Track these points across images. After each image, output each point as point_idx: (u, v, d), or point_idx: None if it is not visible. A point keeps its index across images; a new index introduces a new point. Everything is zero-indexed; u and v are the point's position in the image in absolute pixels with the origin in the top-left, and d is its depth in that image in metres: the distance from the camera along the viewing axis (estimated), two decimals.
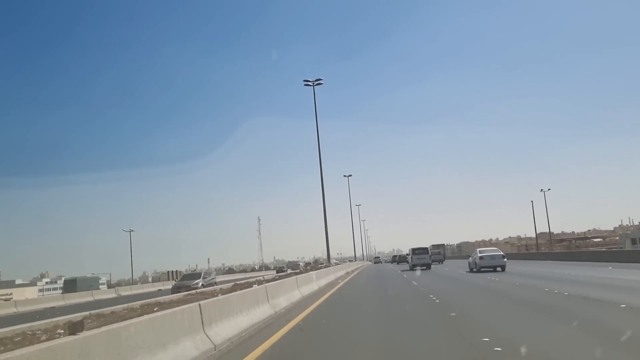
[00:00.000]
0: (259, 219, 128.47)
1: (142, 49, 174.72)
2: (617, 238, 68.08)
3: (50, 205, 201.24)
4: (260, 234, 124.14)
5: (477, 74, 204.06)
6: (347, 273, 36.95)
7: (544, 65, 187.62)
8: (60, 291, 65.98)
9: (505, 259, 26.76)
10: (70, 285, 65.61)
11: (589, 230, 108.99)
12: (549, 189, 63.63)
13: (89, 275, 77.07)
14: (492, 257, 26.76)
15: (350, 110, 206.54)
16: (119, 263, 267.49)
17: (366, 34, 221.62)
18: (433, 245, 67.17)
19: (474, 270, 27.65)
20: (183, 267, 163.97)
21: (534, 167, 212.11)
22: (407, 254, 50.06)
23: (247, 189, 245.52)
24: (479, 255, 27.15)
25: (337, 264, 48.99)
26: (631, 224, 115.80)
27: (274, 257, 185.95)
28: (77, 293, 40.21)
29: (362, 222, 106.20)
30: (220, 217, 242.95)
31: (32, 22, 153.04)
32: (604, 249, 51.85)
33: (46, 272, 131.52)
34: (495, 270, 26.12)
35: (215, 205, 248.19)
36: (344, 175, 71.44)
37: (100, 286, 67.95)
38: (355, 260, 79.34)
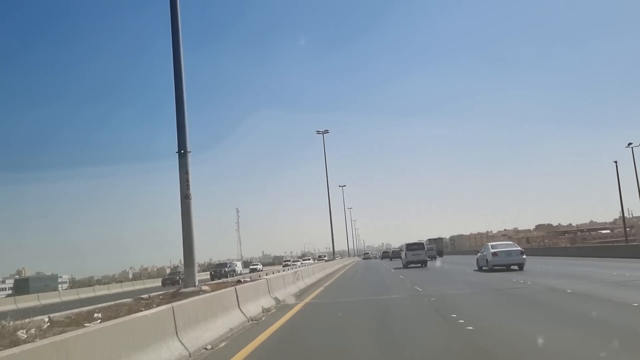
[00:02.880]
0: (238, 210, 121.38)
1: (127, 40, 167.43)
2: (629, 230, 64.31)
3: (35, 201, 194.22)
4: (239, 227, 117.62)
5: (467, 67, 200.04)
6: (262, 313, 10.39)
7: (531, 58, 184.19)
8: (11, 292, 59.35)
9: (524, 256, 21.88)
10: (22, 286, 57.76)
11: (588, 222, 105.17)
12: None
13: (49, 274, 69.82)
14: (508, 253, 22.01)
15: (337, 101, 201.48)
16: (103, 259, 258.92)
17: (355, 25, 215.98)
18: (430, 240, 62.12)
19: (484, 268, 23.16)
20: (166, 263, 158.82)
21: (526, 159, 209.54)
22: (400, 250, 45.20)
23: (241, 181, 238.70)
24: (492, 250, 22.38)
25: (301, 263, 38.63)
26: (631, 215, 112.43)
27: (262, 252, 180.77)
28: (24, 296, 34.37)
29: (349, 211, 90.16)
30: (209, 210, 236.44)
31: (19, 14, 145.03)
32: (614, 242, 47.63)
33: (22, 268, 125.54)
34: (510, 269, 21.47)
35: (208, 198, 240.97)
36: (317, 132, 51.41)
37: (61, 285, 61.69)
38: (334, 257, 53.96)
